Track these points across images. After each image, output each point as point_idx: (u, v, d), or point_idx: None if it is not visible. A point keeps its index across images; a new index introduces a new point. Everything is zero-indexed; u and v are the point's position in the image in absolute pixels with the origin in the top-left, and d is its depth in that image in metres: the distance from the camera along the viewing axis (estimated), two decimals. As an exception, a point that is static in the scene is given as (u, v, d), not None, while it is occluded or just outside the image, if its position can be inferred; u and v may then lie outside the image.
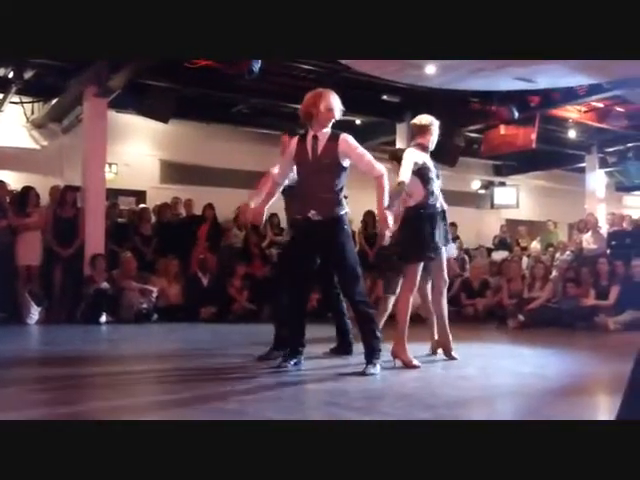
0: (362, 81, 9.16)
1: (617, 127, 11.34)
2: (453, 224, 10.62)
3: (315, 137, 4.25)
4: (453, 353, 5.04)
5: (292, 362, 4.37)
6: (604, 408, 3.53)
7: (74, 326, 7.65)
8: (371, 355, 4.26)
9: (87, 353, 5.61)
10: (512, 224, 14.03)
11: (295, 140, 4.40)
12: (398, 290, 5.06)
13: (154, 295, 8.50)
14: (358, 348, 4.57)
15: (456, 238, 11.13)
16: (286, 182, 4.58)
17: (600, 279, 8.85)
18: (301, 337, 4.41)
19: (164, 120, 9.43)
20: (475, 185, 15.19)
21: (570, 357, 5.65)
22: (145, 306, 8.35)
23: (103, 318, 8.00)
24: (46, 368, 4.68)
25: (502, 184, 15.34)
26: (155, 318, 8.39)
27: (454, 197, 11.01)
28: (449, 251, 5.21)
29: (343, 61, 8.11)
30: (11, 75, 8.72)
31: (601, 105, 10.65)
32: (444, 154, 8.70)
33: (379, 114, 10.77)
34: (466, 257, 11.27)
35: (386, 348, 4.55)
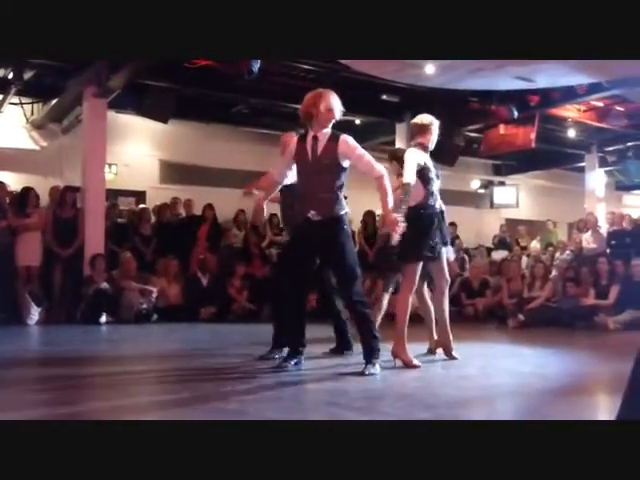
0: (362, 81, 9.16)
1: (617, 126, 11.33)
2: (453, 224, 10.64)
3: (315, 137, 4.25)
4: (453, 353, 5.04)
5: (292, 362, 4.37)
6: (604, 408, 3.52)
7: (74, 326, 7.65)
8: (370, 355, 4.26)
9: (87, 353, 5.61)
10: (512, 224, 14.03)
11: (295, 140, 4.40)
12: (391, 289, 5.05)
13: (154, 295, 8.50)
14: (358, 348, 4.56)
15: (456, 238, 11.14)
16: (286, 181, 4.58)
17: (600, 279, 8.85)
18: (301, 337, 4.41)
19: (164, 120, 9.44)
20: (475, 185, 15.18)
21: (570, 357, 5.64)
22: (145, 306, 8.35)
23: (103, 318, 8.01)
24: (46, 368, 4.68)
25: (502, 184, 15.34)
26: (155, 318, 8.39)
27: (454, 197, 11.06)
28: (447, 254, 5.20)
29: (342, 61, 8.10)
30: (11, 76, 8.72)
31: (601, 104, 10.64)
32: (444, 154, 8.71)
33: (379, 114, 10.77)
34: (466, 257, 11.25)
35: (386, 348, 4.55)
